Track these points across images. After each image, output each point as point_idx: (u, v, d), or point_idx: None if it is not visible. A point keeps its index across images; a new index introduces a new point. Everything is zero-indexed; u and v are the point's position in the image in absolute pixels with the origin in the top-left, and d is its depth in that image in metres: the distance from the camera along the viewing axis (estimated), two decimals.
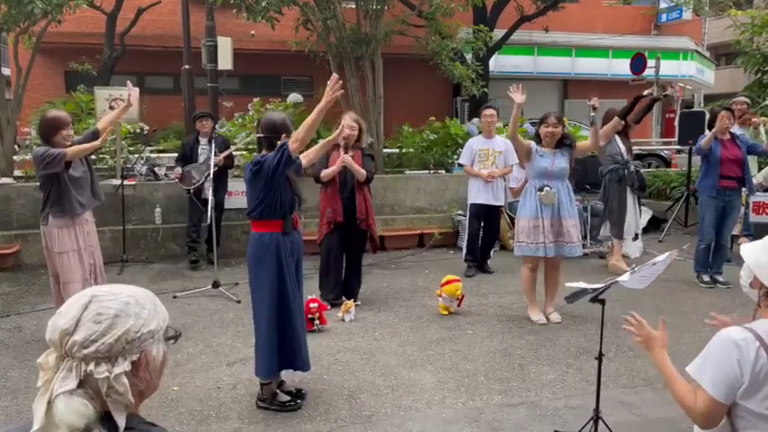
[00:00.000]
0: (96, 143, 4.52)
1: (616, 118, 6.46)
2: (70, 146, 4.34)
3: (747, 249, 1.87)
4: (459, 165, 7.28)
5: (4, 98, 8.29)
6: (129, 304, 1.19)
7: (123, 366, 1.15)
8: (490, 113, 6.66)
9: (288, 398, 3.64)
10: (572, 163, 5.12)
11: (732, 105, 7.23)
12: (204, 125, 6.95)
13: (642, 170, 7.27)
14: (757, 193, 6.91)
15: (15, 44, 8.47)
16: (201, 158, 6.86)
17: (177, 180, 6.90)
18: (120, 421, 1.13)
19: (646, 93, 6.54)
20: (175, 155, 9.70)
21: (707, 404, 1.79)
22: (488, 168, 6.62)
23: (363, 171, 5.26)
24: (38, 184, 4.54)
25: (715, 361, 1.78)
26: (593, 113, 4.99)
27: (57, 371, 1.13)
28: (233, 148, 7.04)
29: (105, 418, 1.13)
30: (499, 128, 8.16)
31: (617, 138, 6.70)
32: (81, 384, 1.12)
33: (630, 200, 6.79)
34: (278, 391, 3.66)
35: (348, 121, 5.27)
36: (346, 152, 5.22)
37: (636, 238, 6.98)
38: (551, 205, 4.94)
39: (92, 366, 1.12)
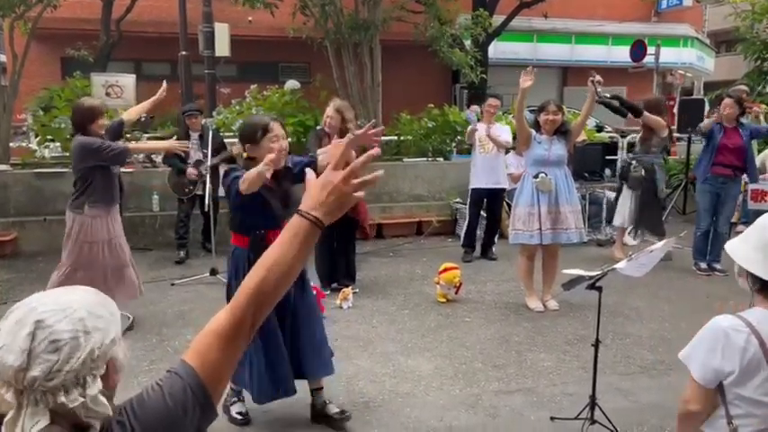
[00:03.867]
0: (162, 145, 4.78)
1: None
2: (104, 135, 4.47)
3: (730, 245, 1.90)
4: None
5: (0, 84, 8.25)
6: (83, 320, 1.04)
7: (97, 385, 1.04)
8: (495, 104, 6.65)
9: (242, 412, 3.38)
10: (570, 149, 5.12)
11: (732, 94, 7.21)
12: (194, 123, 6.80)
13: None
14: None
15: (11, 30, 8.41)
16: (193, 153, 6.67)
17: (195, 176, 6.61)
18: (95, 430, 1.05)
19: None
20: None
21: (692, 389, 1.85)
22: (488, 153, 6.62)
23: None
24: (66, 171, 4.59)
25: (703, 347, 1.82)
26: (599, 89, 4.93)
27: (20, 407, 1.00)
28: (232, 147, 6.75)
29: (76, 429, 1.04)
30: (497, 116, 8.13)
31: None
32: (52, 414, 1.01)
33: (624, 190, 6.76)
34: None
35: (329, 111, 5.29)
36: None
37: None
38: (548, 192, 4.93)
39: (62, 397, 1.00)
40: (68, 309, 1.05)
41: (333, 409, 3.34)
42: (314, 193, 1.22)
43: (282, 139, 3.12)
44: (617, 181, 6.98)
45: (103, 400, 1.04)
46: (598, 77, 4.91)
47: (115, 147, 4.39)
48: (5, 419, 1.01)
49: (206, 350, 1.20)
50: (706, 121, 6.14)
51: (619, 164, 6.87)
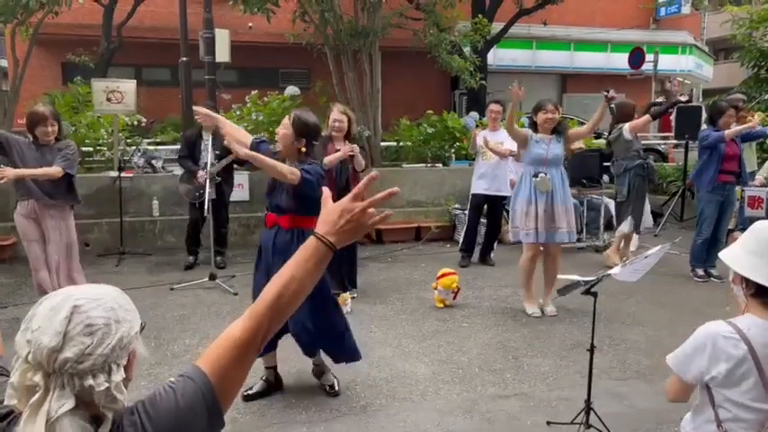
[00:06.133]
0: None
1: (648, 116, 6.56)
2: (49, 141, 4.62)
3: (727, 254, 1.93)
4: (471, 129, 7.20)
5: (1, 89, 8.28)
6: (114, 309, 1.13)
7: (120, 373, 1.11)
8: (497, 109, 6.71)
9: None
10: (567, 150, 5.23)
11: (727, 102, 7.25)
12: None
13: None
14: (752, 187, 6.94)
15: (12, 36, 8.46)
16: (204, 155, 6.38)
17: (199, 183, 6.25)
18: (107, 424, 1.10)
19: (684, 98, 6.79)
20: (173, 147, 9.68)
21: (673, 383, 1.94)
22: (489, 160, 6.66)
23: (363, 161, 5.40)
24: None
25: (691, 348, 1.87)
26: (612, 105, 5.04)
27: (47, 390, 1.06)
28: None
29: (93, 420, 1.09)
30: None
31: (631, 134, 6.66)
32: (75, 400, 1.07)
33: (646, 195, 6.79)
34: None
35: (336, 114, 5.35)
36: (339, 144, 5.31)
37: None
38: (546, 191, 4.99)
39: (89, 380, 1.06)
40: (101, 299, 1.13)
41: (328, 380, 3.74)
42: (332, 218, 1.30)
43: (281, 127, 3.56)
44: (641, 186, 6.67)
45: (124, 389, 1.11)
46: (612, 93, 5.03)
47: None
48: (30, 401, 1.05)
49: (219, 357, 1.24)
50: (734, 130, 6.03)
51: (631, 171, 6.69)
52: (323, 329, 3.54)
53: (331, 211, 1.31)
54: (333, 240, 1.30)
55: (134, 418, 1.14)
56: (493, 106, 6.75)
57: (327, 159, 5.25)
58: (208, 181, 5.84)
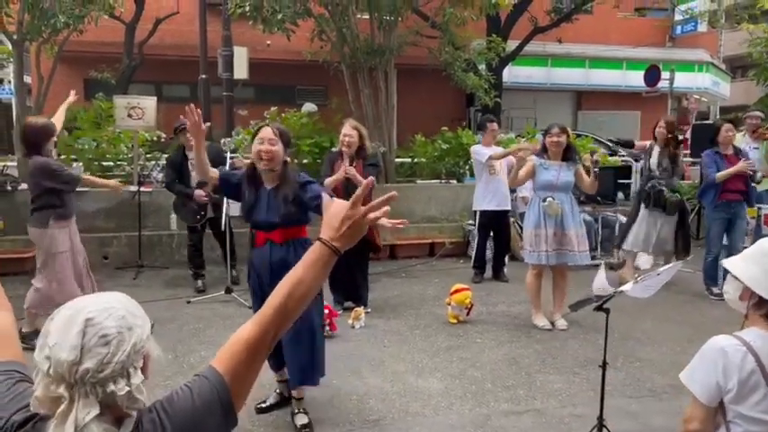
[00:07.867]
0: (110, 183, 5.54)
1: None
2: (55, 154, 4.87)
3: (733, 264, 1.93)
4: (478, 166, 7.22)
5: (25, 105, 8.49)
6: (125, 317, 1.18)
7: (138, 375, 1.16)
8: (496, 127, 6.89)
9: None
10: (579, 179, 5.26)
11: (746, 119, 7.24)
12: (190, 138, 6.05)
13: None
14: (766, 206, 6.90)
15: (37, 53, 8.69)
16: (194, 175, 6.15)
17: (204, 198, 6.10)
18: (130, 423, 1.16)
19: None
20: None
21: (693, 408, 1.88)
22: (497, 174, 6.68)
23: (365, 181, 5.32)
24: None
25: (703, 367, 1.86)
26: (596, 169, 5.11)
27: (72, 400, 1.11)
28: (234, 161, 6.19)
29: (116, 421, 1.15)
30: (510, 139, 8.25)
31: (655, 151, 6.56)
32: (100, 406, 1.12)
33: (647, 216, 6.59)
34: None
35: (346, 129, 5.40)
36: (351, 162, 5.30)
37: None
38: (555, 215, 5.04)
39: (111, 386, 1.12)
40: (111, 308, 1.18)
41: (300, 420, 3.49)
42: (335, 224, 1.38)
43: (267, 143, 3.28)
44: (635, 205, 6.76)
45: (143, 389, 1.16)
46: (596, 157, 5.17)
47: (68, 176, 4.66)
48: (57, 411, 1.11)
49: (231, 357, 1.31)
50: (724, 172, 6.05)
51: (635, 188, 6.72)
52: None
53: (333, 217, 1.38)
54: (337, 245, 1.37)
55: (152, 415, 1.20)
56: (493, 125, 6.87)
57: (328, 181, 5.29)
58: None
